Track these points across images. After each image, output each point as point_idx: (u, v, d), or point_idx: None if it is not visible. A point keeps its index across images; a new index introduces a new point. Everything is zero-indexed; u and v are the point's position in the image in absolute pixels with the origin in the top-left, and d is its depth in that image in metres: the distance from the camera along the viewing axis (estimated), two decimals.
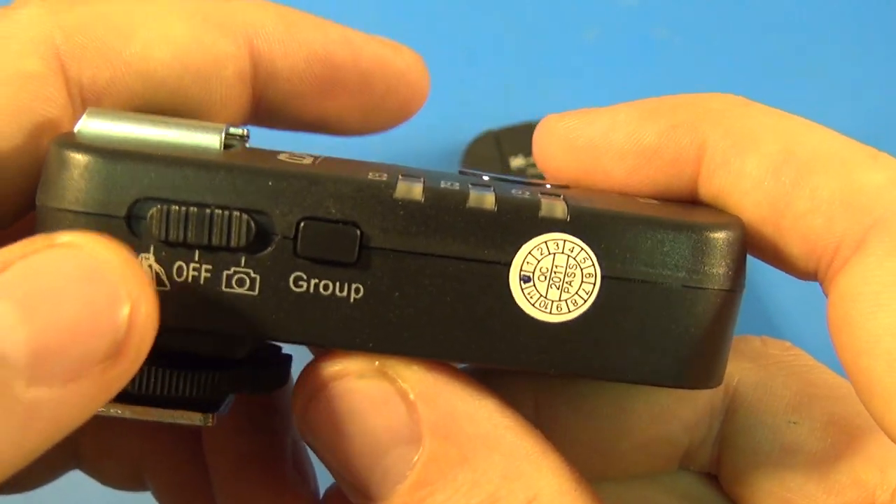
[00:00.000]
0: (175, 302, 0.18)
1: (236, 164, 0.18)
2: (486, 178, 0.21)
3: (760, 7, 0.47)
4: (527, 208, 0.18)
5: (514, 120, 0.41)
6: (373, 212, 0.18)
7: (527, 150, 0.41)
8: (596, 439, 0.24)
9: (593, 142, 0.21)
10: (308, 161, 0.20)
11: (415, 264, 0.18)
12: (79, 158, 0.18)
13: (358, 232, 0.18)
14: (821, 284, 0.20)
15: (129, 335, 0.17)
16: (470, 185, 0.19)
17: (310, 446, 0.20)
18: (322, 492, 0.29)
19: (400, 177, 0.19)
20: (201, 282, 0.18)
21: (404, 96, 0.25)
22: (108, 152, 0.18)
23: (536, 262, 0.18)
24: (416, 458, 0.19)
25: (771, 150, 0.20)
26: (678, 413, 0.24)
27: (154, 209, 0.18)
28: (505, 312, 0.18)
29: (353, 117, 0.25)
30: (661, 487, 0.25)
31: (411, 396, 0.19)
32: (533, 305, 0.18)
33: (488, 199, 0.18)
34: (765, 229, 0.20)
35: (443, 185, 0.19)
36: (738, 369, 0.24)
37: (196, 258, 0.18)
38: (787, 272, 0.21)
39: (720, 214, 0.20)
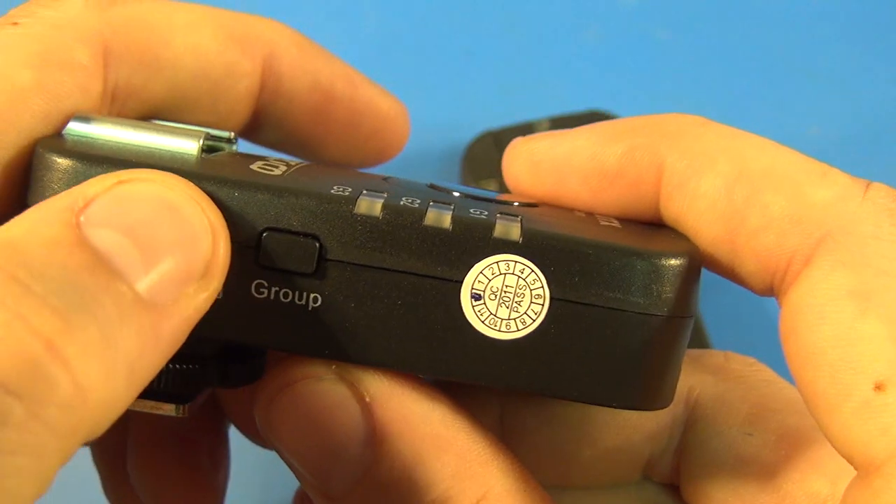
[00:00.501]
0: None
1: (206, 174, 0.19)
2: (456, 194, 0.21)
3: (761, 7, 0.47)
4: (480, 229, 0.19)
5: (514, 120, 0.41)
6: (332, 226, 0.19)
7: None
8: (560, 447, 0.25)
9: (557, 164, 0.22)
10: (280, 171, 0.20)
11: (371, 277, 0.19)
12: (60, 162, 0.19)
13: (317, 244, 0.19)
14: (776, 299, 0.21)
15: (214, 256, 0.18)
16: (431, 203, 0.19)
17: (271, 446, 0.21)
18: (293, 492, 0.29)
19: (364, 192, 0.19)
20: None
21: (386, 141, 0.27)
22: (89, 156, 0.19)
23: (487, 281, 0.19)
24: (371, 457, 0.19)
25: (724, 169, 0.20)
26: (641, 423, 0.25)
27: None
28: (456, 328, 0.19)
29: (335, 149, 0.27)
30: (623, 497, 0.26)
31: (367, 399, 0.20)
32: (483, 322, 0.19)
33: (445, 219, 0.19)
34: (721, 248, 0.21)
35: (403, 202, 0.19)
36: (700, 382, 0.24)
37: None
38: (746, 288, 0.22)
39: (676, 240, 0.21)
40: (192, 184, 0.18)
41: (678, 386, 0.23)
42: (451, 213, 0.19)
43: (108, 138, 0.20)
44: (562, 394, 0.20)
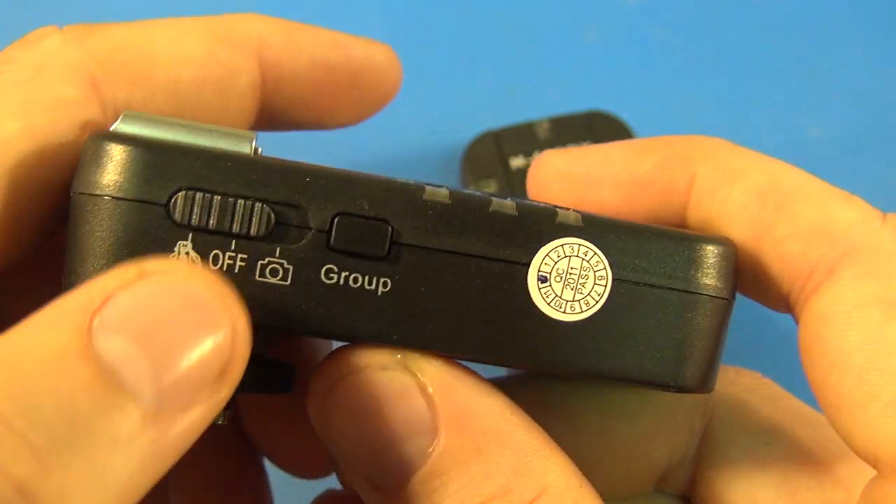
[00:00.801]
0: None
1: (274, 160, 0.19)
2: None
3: (761, 7, 0.47)
4: (545, 214, 0.20)
5: (514, 120, 0.41)
6: (403, 210, 0.19)
7: (527, 151, 0.41)
8: (580, 454, 0.25)
9: (589, 172, 0.23)
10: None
11: (440, 261, 0.20)
12: (120, 148, 0.19)
13: (389, 228, 0.19)
14: (792, 310, 0.22)
15: (232, 356, 0.17)
16: (489, 194, 0.20)
17: (323, 437, 0.21)
18: None
19: (426, 184, 0.20)
20: (236, 270, 0.19)
21: (385, 86, 0.27)
22: (152, 142, 0.19)
23: (553, 263, 0.20)
24: (431, 448, 0.19)
25: (756, 180, 0.21)
26: (660, 433, 0.25)
27: (180, 194, 0.19)
28: (522, 309, 0.20)
29: (345, 111, 0.27)
30: None
31: (430, 390, 0.20)
32: (549, 304, 0.20)
33: (509, 205, 0.20)
34: (745, 252, 0.21)
35: (466, 191, 0.20)
36: (714, 394, 0.25)
37: (232, 247, 0.19)
38: (760, 300, 0.23)
39: (714, 233, 0.22)
40: (217, 277, 0.17)
41: (694, 400, 0.25)
42: (514, 201, 0.20)
43: (159, 135, 0.20)
44: (621, 375, 0.20)
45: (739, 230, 0.21)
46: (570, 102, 0.42)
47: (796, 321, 0.21)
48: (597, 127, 0.41)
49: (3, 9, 0.43)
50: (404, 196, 0.19)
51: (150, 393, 0.16)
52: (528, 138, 0.41)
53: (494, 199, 0.20)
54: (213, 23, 0.24)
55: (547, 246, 0.20)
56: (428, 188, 0.20)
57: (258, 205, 0.19)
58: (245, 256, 0.19)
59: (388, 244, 0.19)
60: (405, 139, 0.43)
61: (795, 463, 0.24)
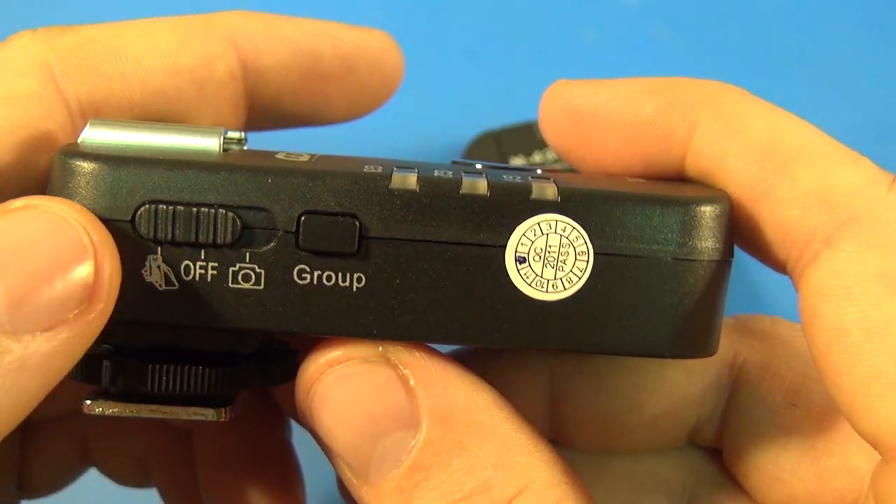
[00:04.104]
0: (185, 300, 0.19)
1: (236, 164, 0.19)
2: (478, 166, 0.21)
3: (761, 7, 0.47)
4: (518, 191, 0.19)
5: (514, 120, 0.41)
6: (370, 203, 0.19)
7: (527, 150, 0.41)
8: (608, 412, 0.25)
9: (594, 109, 0.22)
10: (305, 158, 0.20)
11: (414, 251, 0.19)
12: (84, 165, 0.19)
13: (357, 223, 0.19)
14: (791, 276, 0.21)
15: (97, 281, 0.18)
16: (462, 174, 0.19)
17: (309, 430, 0.21)
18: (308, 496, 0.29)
19: (395, 168, 0.19)
20: (208, 279, 0.19)
21: (384, 74, 0.26)
22: (112, 158, 0.19)
23: (531, 242, 0.19)
24: (413, 442, 0.19)
25: (759, 136, 0.20)
26: (687, 389, 0.25)
27: (143, 209, 0.19)
28: (503, 293, 0.19)
29: (340, 104, 0.26)
30: (668, 461, 0.26)
31: (412, 382, 0.19)
32: (529, 285, 0.19)
33: (481, 185, 0.19)
34: (742, 211, 0.21)
35: (436, 174, 0.19)
36: (746, 347, 0.25)
37: (202, 257, 0.19)
38: (757, 258, 0.22)
39: (707, 189, 0.21)
40: (78, 206, 0.18)
41: (724, 351, 0.24)
42: (485, 180, 0.19)
43: (126, 142, 0.20)
44: (611, 349, 0.20)
45: (737, 188, 0.20)
46: None
47: (796, 288, 0.20)
48: None
49: (7, 12, 0.43)
50: (370, 188, 0.19)
51: (2, 312, 0.17)
52: (528, 138, 0.41)
53: (466, 178, 0.19)
54: (187, 18, 0.24)
55: (522, 225, 0.19)
56: (395, 175, 0.19)
57: (222, 212, 0.19)
58: (216, 265, 0.19)
59: (357, 239, 0.19)
60: (405, 139, 0.43)
61: (821, 427, 0.23)
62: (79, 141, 0.20)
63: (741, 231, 0.21)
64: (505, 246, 0.19)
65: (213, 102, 0.24)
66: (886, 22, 0.47)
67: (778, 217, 0.20)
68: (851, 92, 0.45)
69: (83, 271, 0.18)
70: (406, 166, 0.20)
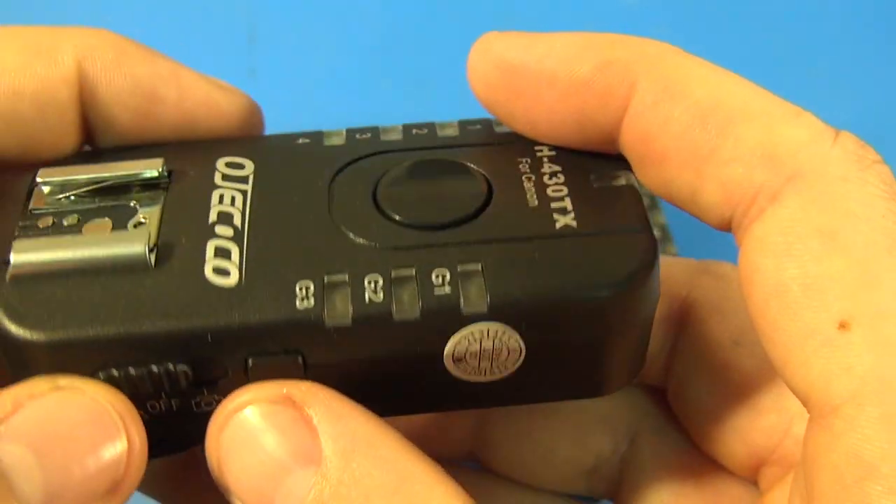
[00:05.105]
0: (154, 428, 0.20)
1: (178, 327, 0.19)
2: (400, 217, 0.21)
3: (760, 7, 0.47)
4: (448, 309, 0.19)
5: None
6: (309, 340, 0.19)
7: None
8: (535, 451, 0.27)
9: (528, 65, 0.22)
10: (234, 272, 0.20)
11: (357, 366, 0.20)
12: (34, 342, 0.19)
13: (300, 358, 0.19)
14: (734, 234, 0.20)
15: (126, 473, 0.19)
16: (393, 283, 0.19)
17: (219, 483, 0.20)
18: None
19: (327, 287, 0.19)
20: (175, 410, 0.20)
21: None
22: (59, 338, 0.19)
23: (466, 347, 0.20)
24: (313, 479, 0.19)
25: (700, 98, 0.20)
26: None
27: (100, 374, 0.19)
28: (441, 380, 0.20)
29: None
30: (612, 399, 0.26)
31: (315, 421, 0.19)
32: (466, 374, 0.20)
33: (413, 308, 0.19)
34: (686, 175, 0.20)
35: (368, 295, 0.19)
36: (700, 286, 0.25)
37: (163, 397, 0.20)
38: (702, 219, 0.21)
39: (635, 236, 0.21)
40: (122, 397, 0.19)
41: (678, 287, 0.25)
42: (417, 297, 0.19)
43: (53, 264, 0.20)
44: (537, 401, 0.22)
45: (680, 151, 0.20)
46: None
47: (738, 244, 0.20)
48: None
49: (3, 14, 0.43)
50: (306, 328, 0.19)
51: (39, 502, 0.18)
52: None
53: (398, 302, 0.19)
54: (38, 33, 0.23)
55: (455, 335, 0.19)
56: (329, 309, 0.19)
57: (171, 366, 0.19)
58: (178, 401, 0.20)
59: (303, 369, 0.20)
60: None
61: (761, 368, 0.23)
62: (9, 276, 0.20)
63: (684, 193, 0.21)
64: (441, 353, 0.20)
65: (54, 125, 0.23)
66: (887, 21, 0.47)
67: (722, 176, 0.20)
68: (851, 92, 0.45)
69: (116, 466, 0.19)
70: (338, 272, 0.20)
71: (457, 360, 0.20)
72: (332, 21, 0.47)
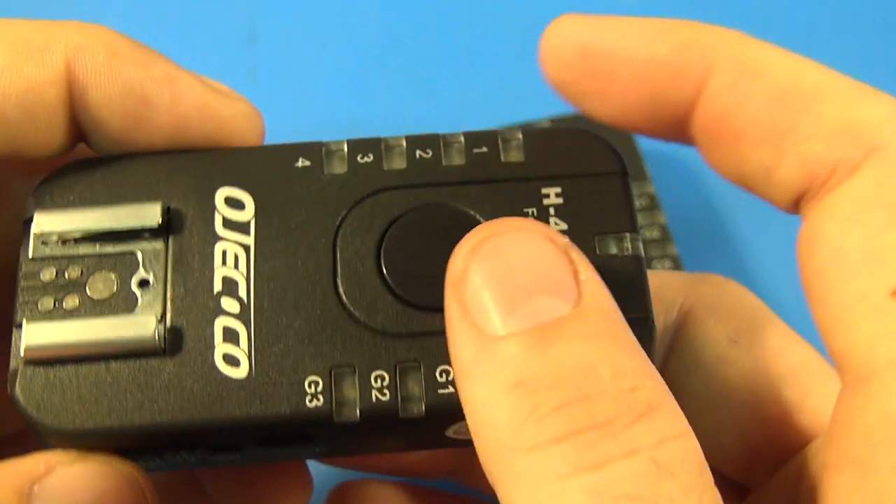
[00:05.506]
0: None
1: (191, 421, 0.20)
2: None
3: (760, 7, 0.47)
4: (450, 406, 0.20)
5: (514, 120, 0.41)
6: (320, 432, 0.21)
7: None
8: None
9: (604, 46, 0.22)
10: (244, 363, 0.20)
11: (365, 448, 0.24)
12: (51, 430, 0.20)
13: (314, 447, 0.22)
14: (802, 210, 0.21)
15: None
16: (398, 385, 0.20)
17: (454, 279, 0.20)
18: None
19: (333, 406, 0.20)
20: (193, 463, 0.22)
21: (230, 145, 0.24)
22: (75, 429, 0.20)
23: (465, 431, 0.20)
24: (567, 310, 0.18)
25: (779, 77, 0.21)
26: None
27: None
28: (439, 442, 0.22)
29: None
30: None
31: (572, 254, 0.18)
32: (466, 436, 0.20)
33: (417, 408, 0.20)
34: (762, 151, 0.21)
35: (376, 395, 0.20)
36: (696, 293, 0.26)
37: (183, 456, 0.21)
38: (771, 199, 0.22)
39: None
40: (141, 471, 0.21)
41: (673, 294, 0.25)
42: (423, 395, 0.20)
43: (66, 346, 0.20)
44: None
45: (758, 127, 0.21)
46: None
47: (804, 218, 0.21)
48: (597, 127, 0.41)
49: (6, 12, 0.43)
50: (318, 423, 0.20)
51: None
52: None
53: (400, 406, 0.20)
54: (31, 28, 0.23)
55: (455, 425, 0.21)
56: (339, 410, 0.20)
57: (183, 452, 0.21)
58: (192, 461, 0.22)
59: (315, 453, 0.23)
60: None
61: (756, 363, 0.24)
62: (26, 349, 0.20)
63: (757, 169, 0.21)
64: (444, 432, 0.21)
65: (42, 127, 0.22)
66: (887, 21, 0.47)
67: (802, 151, 0.20)
68: None
69: None
70: (343, 365, 0.21)
71: (457, 432, 0.21)
72: (333, 21, 0.47)
